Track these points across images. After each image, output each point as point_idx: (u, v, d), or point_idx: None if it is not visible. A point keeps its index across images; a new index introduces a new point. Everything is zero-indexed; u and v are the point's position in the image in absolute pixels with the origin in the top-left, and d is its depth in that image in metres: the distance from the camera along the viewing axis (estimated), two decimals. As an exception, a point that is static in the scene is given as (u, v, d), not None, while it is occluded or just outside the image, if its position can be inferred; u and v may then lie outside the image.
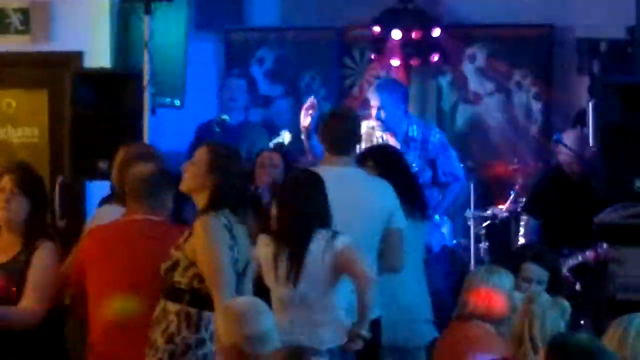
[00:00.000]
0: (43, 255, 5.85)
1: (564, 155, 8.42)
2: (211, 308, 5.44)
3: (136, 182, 5.90)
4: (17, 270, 5.80)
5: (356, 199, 6.41)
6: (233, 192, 5.65)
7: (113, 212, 6.15)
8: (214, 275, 5.44)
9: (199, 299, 5.46)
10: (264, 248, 6.12)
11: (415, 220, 7.00)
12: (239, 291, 5.53)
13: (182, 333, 5.44)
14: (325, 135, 6.80)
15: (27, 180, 5.95)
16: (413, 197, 7.04)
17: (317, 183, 6.18)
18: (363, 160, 7.00)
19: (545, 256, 6.93)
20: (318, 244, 5.99)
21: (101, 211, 6.59)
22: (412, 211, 6.85)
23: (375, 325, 6.34)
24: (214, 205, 5.59)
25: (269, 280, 6.08)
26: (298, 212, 6.12)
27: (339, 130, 6.72)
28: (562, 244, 7.90)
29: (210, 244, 5.47)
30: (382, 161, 7.08)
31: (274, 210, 6.20)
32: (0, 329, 5.70)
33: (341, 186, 6.27)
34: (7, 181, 5.85)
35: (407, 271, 6.79)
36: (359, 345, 5.94)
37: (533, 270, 6.53)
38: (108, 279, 5.70)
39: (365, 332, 5.92)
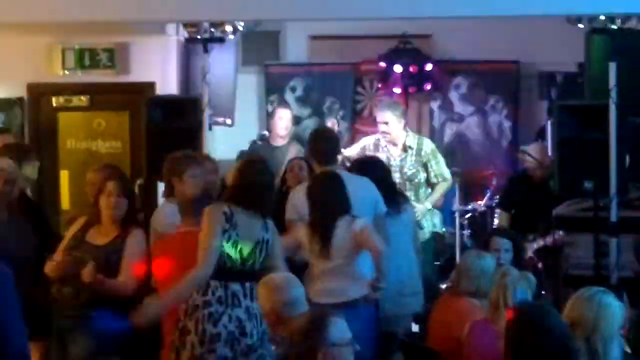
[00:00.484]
0: (135, 240, 6.03)
1: (528, 162, 8.44)
2: (217, 277, 5.46)
3: (184, 203, 5.96)
4: (115, 250, 5.95)
5: (352, 194, 6.36)
6: (245, 190, 5.61)
7: (168, 208, 6.27)
8: (199, 246, 5.43)
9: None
10: (303, 233, 6.33)
11: (392, 210, 6.94)
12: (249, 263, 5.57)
13: (193, 295, 5.44)
14: (313, 152, 6.90)
15: (125, 185, 6.19)
16: (388, 194, 6.96)
17: (338, 181, 6.29)
18: (350, 169, 7.13)
19: (505, 230, 6.99)
20: (341, 228, 6.16)
21: (162, 205, 6.71)
22: (388, 204, 6.80)
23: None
24: (225, 197, 5.70)
25: (307, 255, 6.31)
26: (323, 205, 6.26)
27: (324, 148, 6.80)
28: (528, 232, 7.85)
29: (204, 225, 5.46)
30: (364, 169, 7.05)
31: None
32: (103, 296, 5.84)
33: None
34: (113, 186, 6.01)
35: (394, 251, 6.68)
36: (378, 295, 6.15)
37: (498, 241, 6.62)
38: (169, 276, 5.71)
39: (382, 284, 6.09)
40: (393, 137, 8.52)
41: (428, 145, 8.60)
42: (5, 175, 6.36)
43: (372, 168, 7.14)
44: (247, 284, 5.55)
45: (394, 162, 8.43)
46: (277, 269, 5.60)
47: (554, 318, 4.27)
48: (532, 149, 8.59)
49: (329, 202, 6.25)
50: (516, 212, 8.30)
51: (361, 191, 6.52)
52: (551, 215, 7.97)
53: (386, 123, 8.47)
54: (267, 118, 9.41)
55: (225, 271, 5.55)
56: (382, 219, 6.65)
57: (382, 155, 8.27)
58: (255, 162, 6.03)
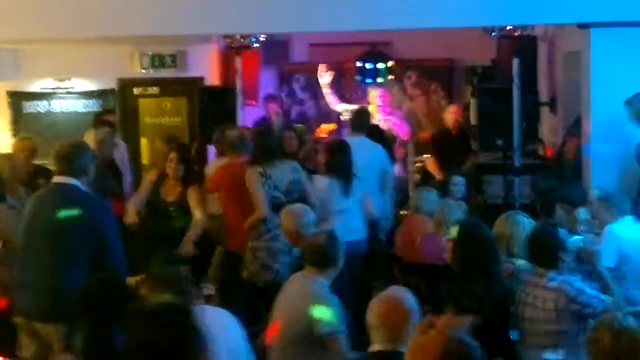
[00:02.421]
0: (194, 193, 5.83)
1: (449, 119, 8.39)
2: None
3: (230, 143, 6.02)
4: (180, 203, 5.82)
5: (370, 154, 6.43)
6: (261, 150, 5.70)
7: (217, 162, 6.30)
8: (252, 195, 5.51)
9: None
10: (319, 182, 6.03)
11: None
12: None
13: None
14: (352, 122, 6.84)
15: (183, 154, 6.02)
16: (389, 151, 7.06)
17: (348, 147, 6.11)
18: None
19: (460, 172, 6.98)
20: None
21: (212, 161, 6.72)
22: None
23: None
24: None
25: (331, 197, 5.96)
26: (345, 165, 6.03)
27: (359, 119, 6.76)
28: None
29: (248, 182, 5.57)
30: (373, 134, 7.10)
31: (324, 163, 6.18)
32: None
33: (362, 148, 6.34)
34: (174, 156, 5.88)
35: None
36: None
37: (456, 179, 6.55)
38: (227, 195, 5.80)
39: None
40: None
41: None
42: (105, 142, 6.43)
43: (377, 134, 7.27)
44: None
45: None
46: (308, 196, 5.60)
47: (485, 229, 4.38)
48: (449, 110, 8.54)
49: (349, 164, 6.02)
50: (443, 157, 8.12)
51: (378, 153, 6.56)
52: (470, 161, 8.01)
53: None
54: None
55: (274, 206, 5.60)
56: (387, 173, 6.64)
57: None
58: (262, 128, 6.13)
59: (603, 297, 4.04)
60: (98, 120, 7.68)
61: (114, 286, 3.44)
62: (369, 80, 10.03)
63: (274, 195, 5.62)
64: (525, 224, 4.66)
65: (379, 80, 9.99)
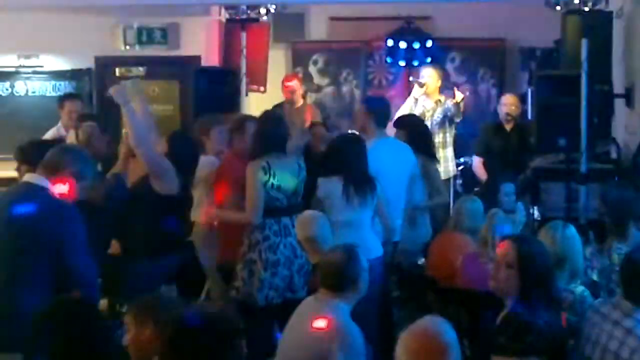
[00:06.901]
0: None
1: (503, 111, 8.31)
2: (271, 215, 5.64)
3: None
4: None
5: (397, 156, 6.31)
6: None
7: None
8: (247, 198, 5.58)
9: None
10: (330, 184, 5.77)
11: (430, 161, 6.94)
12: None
13: (254, 232, 5.68)
14: (374, 117, 6.63)
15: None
16: (426, 148, 6.95)
17: (362, 142, 5.94)
18: (398, 127, 6.92)
19: (510, 178, 6.92)
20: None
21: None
22: (426, 155, 6.80)
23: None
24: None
25: (339, 205, 5.74)
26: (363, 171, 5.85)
27: (381, 115, 6.69)
28: (500, 175, 7.58)
29: (248, 181, 5.59)
30: (409, 128, 6.98)
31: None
32: None
33: (385, 149, 6.18)
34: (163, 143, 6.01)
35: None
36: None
37: (506, 187, 6.51)
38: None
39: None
40: (429, 91, 8.45)
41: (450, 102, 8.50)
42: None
43: (411, 123, 7.15)
44: (294, 216, 5.59)
45: (427, 113, 8.38)
46: None
47: (538, 245, 4.33)
48: (502, 100, 8.47)
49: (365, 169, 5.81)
50: (487, 157, 8.12)
51: (405, 155, 6.44)
52: (527, 164, 7.95)
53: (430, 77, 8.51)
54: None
55: (276, 209, 5.62)
56: (416, 176, 6.51)
57: (418, 108, 8.34)
58: (271, 115, 6.09)
59: None
60: (62, 106, 7.62)
61: (81, 309, 3.42)
62: (401, 63, 9.97)
63: (275, 197, 5.63)
64: (575, 235, 4.64)
65: (415, 62, 9.93)
